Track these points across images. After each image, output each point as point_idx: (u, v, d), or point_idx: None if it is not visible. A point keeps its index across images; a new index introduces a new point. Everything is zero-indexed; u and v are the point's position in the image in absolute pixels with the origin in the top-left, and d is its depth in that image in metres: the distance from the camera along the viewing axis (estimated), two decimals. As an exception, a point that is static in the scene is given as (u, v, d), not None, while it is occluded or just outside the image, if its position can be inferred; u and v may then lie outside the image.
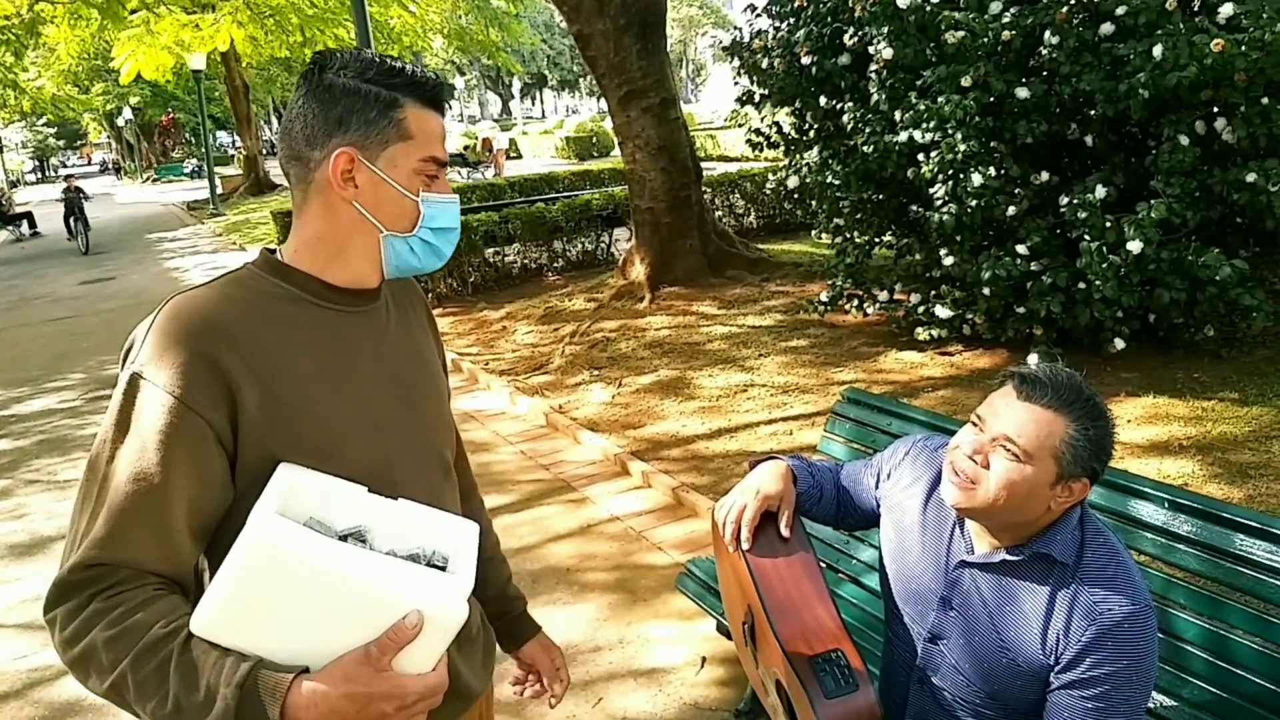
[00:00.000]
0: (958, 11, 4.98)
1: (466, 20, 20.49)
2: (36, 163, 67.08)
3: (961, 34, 4.86)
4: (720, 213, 10.74)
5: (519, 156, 31.83)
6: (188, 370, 1.02)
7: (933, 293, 5.71)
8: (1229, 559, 1.83)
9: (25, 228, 21.94)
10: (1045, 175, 5.14)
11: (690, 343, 6.67)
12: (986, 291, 5.17)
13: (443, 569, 1.06)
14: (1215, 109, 4.67)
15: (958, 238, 5.33)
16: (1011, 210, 5.06)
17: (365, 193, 1.13)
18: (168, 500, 1.01)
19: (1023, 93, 4.92)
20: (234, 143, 47.13)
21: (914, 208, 5.72)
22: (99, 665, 0.96)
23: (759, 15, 6.87)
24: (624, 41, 7.90)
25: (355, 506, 1.08)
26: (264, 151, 31.22)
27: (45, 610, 1.00)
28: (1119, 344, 4.96)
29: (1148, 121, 4.89)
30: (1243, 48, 4.27)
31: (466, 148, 25.09)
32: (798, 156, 6.69)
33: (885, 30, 5.23)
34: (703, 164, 9.04)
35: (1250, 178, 4.51)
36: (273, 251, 1.19)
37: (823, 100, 6.13)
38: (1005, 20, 4.95)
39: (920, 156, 5.27)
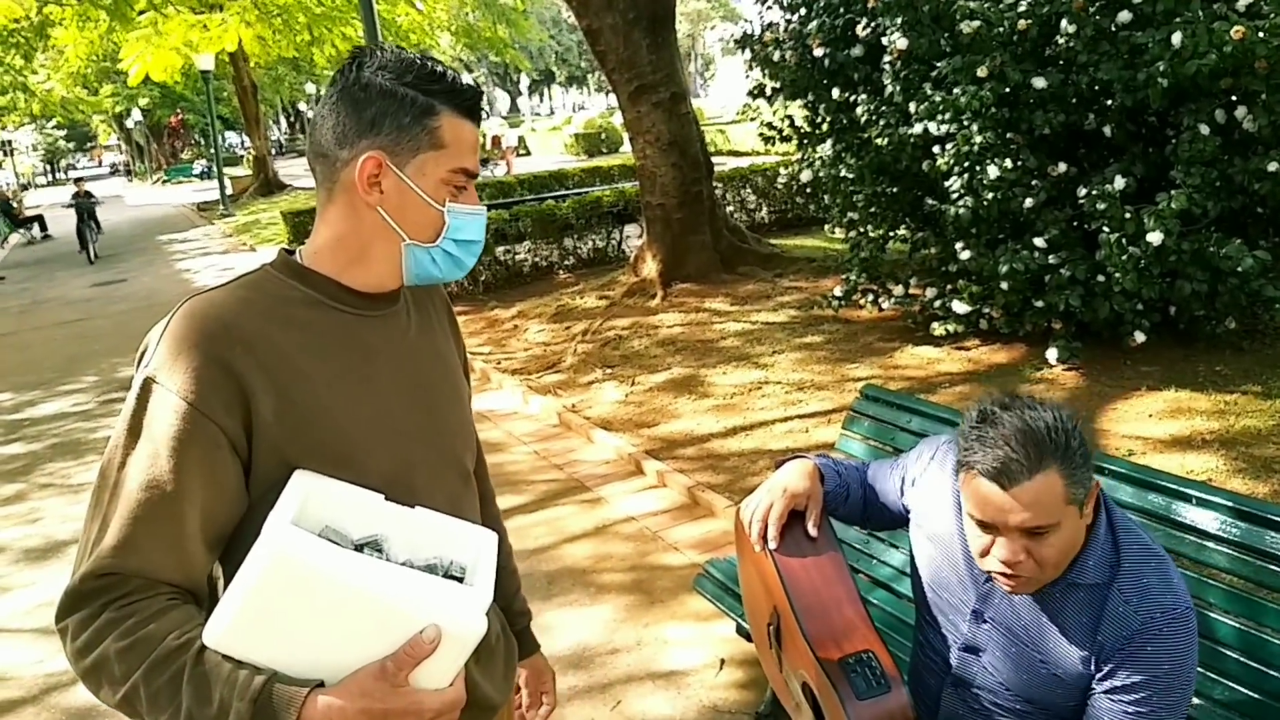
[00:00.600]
0: (973, 1, 4.92)
1: (474, 17, 20.50)
2: (46, 165, 67.50)
3: (977, 24, 4.80)
4: (732, 208, 10.69)
5: (528, 153, 31.82)
6: (201, 375, 1.00)
7: (949, 287, 5.65)
8: (1262, 557, 1.80)
9: (37, 230, 22.12)
10: (1063, 166, 5.07)
11: (703, 340, 6.63)
12: (1004, 285, 5.11)
13: (460, 580, 1.03)
14: (1235, 97, 4.60)
15: (974, 231, 5.27)
16: (1029, 202, 4.99)
17: (390, 199, 1.10)
18: (180, 508, 0.99)
19: (1039, 83, 4.86)
20: (243, 143, 47.20)
21: (929, 201, 5.66)
22: (111, 676, 0.95)
23: (770, 7, 6.82)
24: (633, 36, 7.86)
25: (372, 515, 1.06)
26: (273, 152, 31.31)
27: (57, 619, 0.99)
28: (1139, 337, 4.89)
29: (1167, 111, 4.83)
30: (1263, 35, 4.21)
31: (476, 145, 25.03)
32: (810, 150, 6.64)
33: (899, 21, 5.17)
34: (714, 159, 8.99)
35: (1272, 167, 4.44)
36: (291, 253, 1.17)
37: (835, 93, 6.07)
38: (1021, 9, 4.88)
39: (935, 149, 5.22)
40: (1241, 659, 1.78)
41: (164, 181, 41.25)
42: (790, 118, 6.99)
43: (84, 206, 17.09)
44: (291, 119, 59.05)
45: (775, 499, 1.60)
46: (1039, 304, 5.12)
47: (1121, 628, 1.34)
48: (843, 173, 6.04)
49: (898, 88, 5.36)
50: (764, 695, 2.75)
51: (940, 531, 1.55)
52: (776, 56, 6.19)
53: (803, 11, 6.30)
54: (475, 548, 1.09)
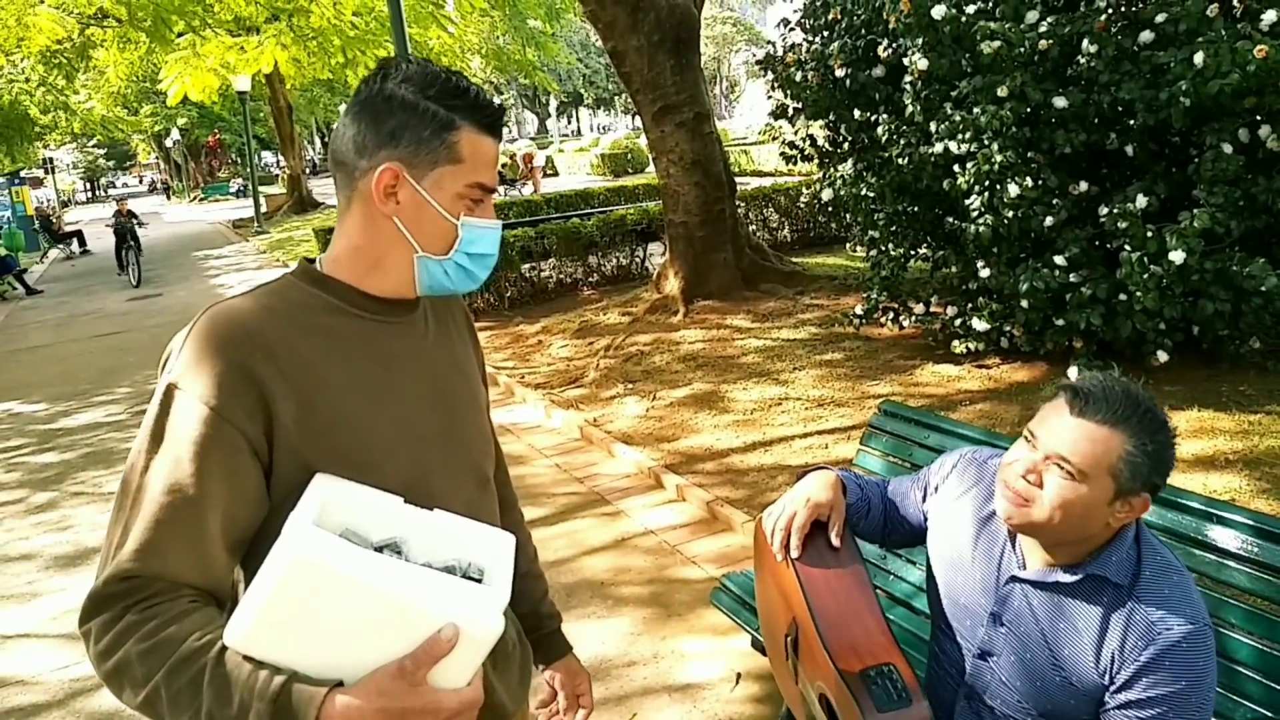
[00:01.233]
0: (993, 21, 4.94)
1: (504, 40, 20.75)
2: (86, 183, 68.92)
3: (997, 44, 4.82)
4: (754, 227, 10.72)
5: (555, 174, 32.07)
6: (223, 381, 1.02)
7: (969, 305, 5.65)
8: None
9: (75, 246, 22.60)
10: (1084, 185, 5.06)
11: (724, 356, 6.65)
12: (1025, 303, 5.10)
13: (478, 581, 1.05)
14: (1259, 116, 4.58)
15: (994, 249, 5.26)
16: (1049, 221, 4.99)
17: (406, 210, 1.12)
18: (202, 512, 1.00)
19: (1060, 102, 4.86)
20: (278, 162, 48.04)
21: (950, 219, 5.66)
22: (133, 678, 0.96)
23: (792, 29, 6.88)
24: (658, 57, 7.95)
25: (391, 518, 1.07)
26: (307, 171, 31.76)
27: (80, 623, 1.00)
28: (1162, 356, 4.85)
29: (1189, 130, 4.80)
30: (1287, 54, 4.18)
31: (504, 165, 25.33)
32: (832, 169, 6.67)
33: (920, 41, 5.20)
34: (737, 179, 9.04)
35: (1296, 186, 4.41)
36: (312, 261, 1.19)
37: (856, 112, 6.10)
38: (1042, 29, 4.89)
39: (956, 168, 5.23)
40: (1263, 680, 1.75)
41: (201, 199, 42.05)
42: (812, 137, 7.03)
43: (124, 228, 16.04)
44: (325, 139, 59.96)
45: (798, 508, 1.59)
46: (1060, 322, 5.10)
47: (1138, 637, 1.32)
48: (864, 191, 6.06)
49: (918, 107, 5.38)
50: (779, 710, 2.76)
51: (960, 539, 1.55)
52: (799, 77, 6.24)
53: (825, 34, 6.35)
54: (493, 550, 1.10)
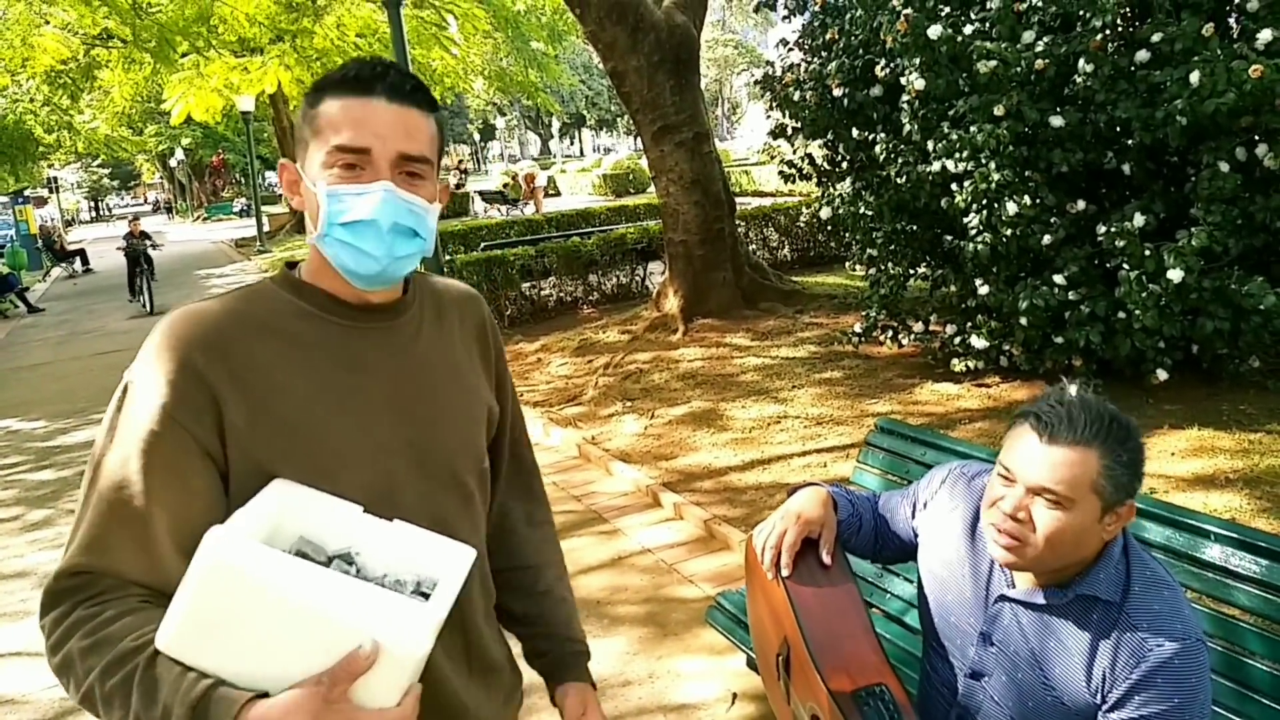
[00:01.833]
0: (990, 41, 4.97)
1: (507, 62, 20.86)
2: (90, 202, 69.26)
3: (994, 63, 4.84)
4: (754, 246, 10.76)
5: (557, 194, 32.20)
6: (173, 380, 1.01)
7: (968, 324, 5.64)
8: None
9: (78, 264, 22.67)
10: (1082, 204, 5.07)
11: (723, 374, 6.64)
12: (1023, 322, 5.09)
13: (426, 597, 1.01)
14: (1255, 135, 4.59)
15: (993, 268, 5.27)
16: (1048, 239, 4.99)
17: (306, 201, 1.11)
18: (148, 509, 1.00)
19: (1057, 121, 4.88)
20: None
21: (948, 238, 5.67)
22: (75, 674, 0.96)
23: (791, 49, 6.92)
24: (657, 78, 8.00)
25: (348, 527, 1.04)
26: (309, 190, 31.74)
27: (39, 619, 1.01)
28: (1161, 375, 4.84)
29: (1186, 149, 4.82)
30: (1282, 73, 4.20)
31: (506, 185, 25.41)
32: (830, 188, 6.69)
33: (917, 61, 5.23)
34: (738, 198, 9.08)
35: (1294, 204, 4.41)
36: (293, 266, 1.18)
37: (855, 132, 6.13)
38: (1038, 49, 4.92)
39: (954, 186, 5.24)
40: (1266, 702, 1.73)
41: (205, 219, 42.17)
42: (810, 156, 7.06)
43: (137, 251, 14.54)
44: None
45: (789, 525, 1.56)
46: (1059, 340, 5.09)
47: (1129, 655, 1.30)
48: (862, 210, 6.08)
49: (916, 126, 5.40)
50: (773, 728, 2.73)
51: (950, 556, 1.53)
52: (797, 97, 6.27)
53: (823, 54, 6.39)
54: (448, 564, 1.04)
